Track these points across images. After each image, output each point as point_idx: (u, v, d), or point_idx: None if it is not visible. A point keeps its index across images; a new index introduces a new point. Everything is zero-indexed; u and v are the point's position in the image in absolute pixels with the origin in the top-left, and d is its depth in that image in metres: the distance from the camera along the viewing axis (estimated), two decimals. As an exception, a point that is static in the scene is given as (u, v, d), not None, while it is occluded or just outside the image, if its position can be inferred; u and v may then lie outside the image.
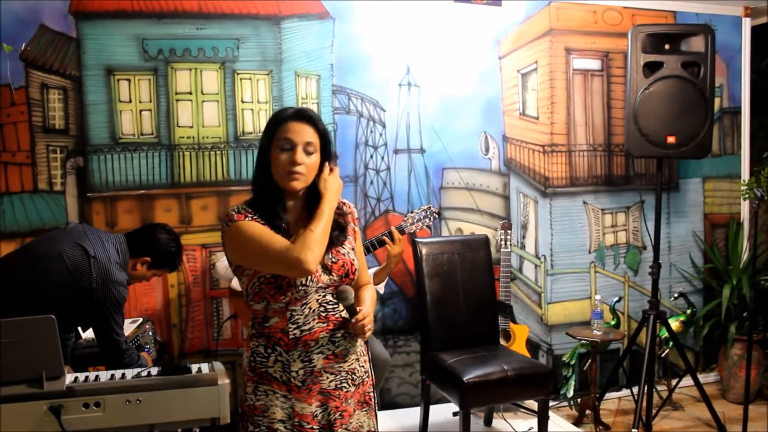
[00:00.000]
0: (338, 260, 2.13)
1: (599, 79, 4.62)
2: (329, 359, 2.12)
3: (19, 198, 3.61)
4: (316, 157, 2.10)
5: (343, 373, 2.15)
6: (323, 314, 2.10)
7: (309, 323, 2.08)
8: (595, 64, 4.61)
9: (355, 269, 2.17)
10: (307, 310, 2.08)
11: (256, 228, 2.06)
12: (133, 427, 2.17)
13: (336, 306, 2.13)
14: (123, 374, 2.27)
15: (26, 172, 3.62)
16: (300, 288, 2.06)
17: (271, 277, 2.05)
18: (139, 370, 2.33)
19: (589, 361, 4.16)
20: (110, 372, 2.33)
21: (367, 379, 2.24)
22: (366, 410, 2.23)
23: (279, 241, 2.03)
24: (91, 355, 3.01)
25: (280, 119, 2.10)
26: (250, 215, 2.09)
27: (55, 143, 3.66)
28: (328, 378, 2.12)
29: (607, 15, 4.59)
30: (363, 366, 2.22)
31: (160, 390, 2.17)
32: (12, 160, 3.61)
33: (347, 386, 2.16)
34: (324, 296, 2.11)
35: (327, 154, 2.14)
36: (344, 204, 2.25)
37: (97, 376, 2.27)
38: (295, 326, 2.07)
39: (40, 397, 2.09)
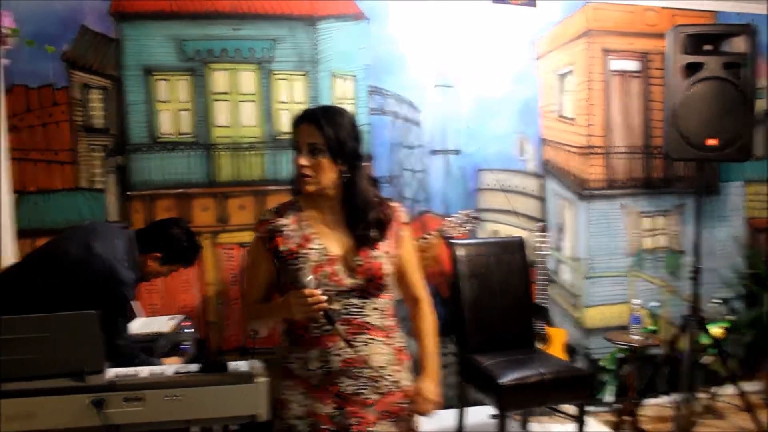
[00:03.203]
0: (364, 263, 2.10)
1: (638, 81, 4.56)
2: (347, 363, 2.09)
3: (61, 195, 3.67)
4: (324, 158, 2.08)
5: (363, 379, 2.11)
6: (346, 317, 2.09)
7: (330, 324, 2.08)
8: (633, 65, 4.55)
9: (383, 274, 2.12)
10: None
11: (252, 255, 2.25)
12: (172, 422, 2.21)
13: (361, 311, 2.11)
14: (163, 371, 2.32)
15: (68, 170, 3.68)
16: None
17: (292, 281, 2.06)
18: (178, 366, 2.35)
19: (628, 366, 4.10)
20: (150, 368, 2.36)
21: (396, 390, 2.17)
22: (394, 421, 2.16)
23: (253, 280, 2.21)
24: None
25: (294, 122, 2.14)
26: (270, 224, 2.14)
27: (96, 142, 3.71)
28: (345, 381, 2.10)
29: (646, 15, 4.53)
30: (392, 375, 2.16)
31: (199, 387, 2.20)
32: (55, 159, 3.67)
33: (367, 393, 2.12)
34: (348, 299, 2.09)
35: (343, 155, 2.10)
36: (390, 206, 2.22)
37: (137, 372, 2.30)
38: (315, 326, 2.07)
39: (83, 390, 2.13)
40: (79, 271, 2.77)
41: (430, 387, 2.22)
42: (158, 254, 3.04)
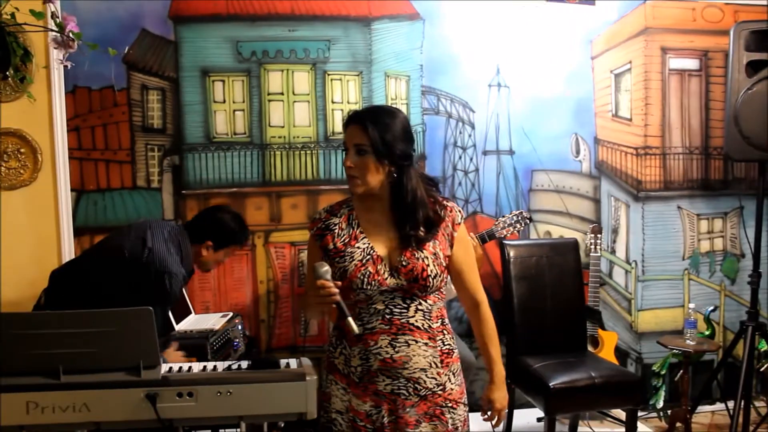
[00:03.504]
0: (409, 264, 2.10)
1: (697, 80, 4.45)
2: (386, 362, 2.10)
3: (119, 194, 3.78)
4: (369, 158, 2.08)
5: (403, 380, 2.11)
6: (388, 316, 2.10)
7: (372, 323, 2.10)
8: (692, 63, 4.44)
9: (427, 275, 2.10)
10: (372, 310, 2.10)
11: (308, 251, 2.30)
12: (222, 418, 2.23)
13: (404, 312, 2.11)
14: (215, 366, 2.35)
15: (126, 169, 3.79)
16: (359, 291, 2.09)
17: (338, 279, 2.10)
18: (230, 362, 2.39)
19: (681, 371, 4.02)
20: (202, 364, 2.41)
21: (440, 392, 2.16)
22: (435, 424, 2.16)
23: (309, 275, 2.27)
24: (184, 347, 3.10)
25: (343, 124, 2.17)
26: (322, 223, 2.20)
27: (153, 142, 3.81)
28: (384, 381, 2.11)
29: (707, 12, 4.41)
30: (435, 378, 2.15)
31: (250, 383, 2.22)
32: (114, 158, 3.78)
33: (407, 394, 2.12)
34: (392, 299, 2.10)
35: (387, 155, 2.09)
36: (445, 207, 2.20)
37: (190, 367, 2.35)
38: (359, 323, 2.08)
39: (138, 384, 2.16)
40: (133, 266, 2.86)
41: (500, 395, 2.27)
42: (210, 242, 3.11)
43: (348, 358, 2.14)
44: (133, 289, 2.83)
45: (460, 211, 2.24)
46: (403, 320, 2.11)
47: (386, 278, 2.09)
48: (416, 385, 2.13)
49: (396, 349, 2.10)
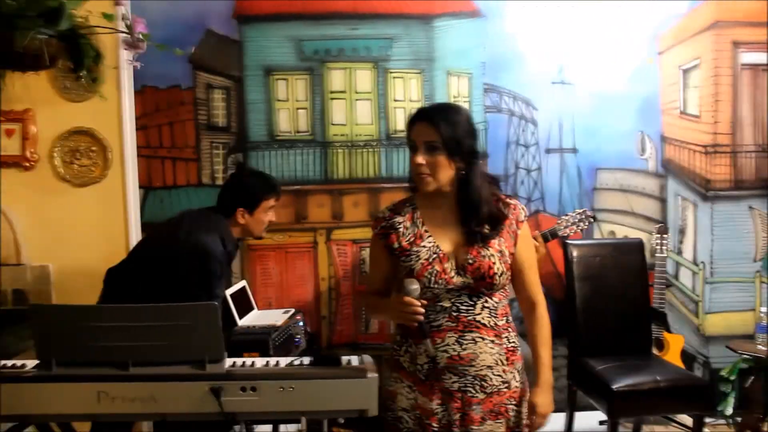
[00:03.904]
0: (476, 261, 2.09)
1: (771, 74, 4.31)
2: (453, 359, 2.10)
3: (185, 191, 3.87)
4: (441, 156, 2.08)
5: (470, 377, 2.11)
6: (454, 314, 2.10)
7: (439, 320, 2.10)
8: (766, 57, 4.29)
9: (493, 273, 2.10)
10: (439, 308, 2.10)
11: (371, 250, 2.30)
12: (284, 413, 2.26)
13: (471, 309, 2.11)
14: (277, 362, 2.37)
15: (192, 167, 3.87)
16: (426, 290, 2.08)
17: (402, 277, 2.11)
18: (292, 359, 2.42)
19: (752, 377, 3.89)
20: (265, 359, 2.43)
21: (505, 390, 2.16)
22: (500, 422, 2.15)
23: (371, 276, 2.35)
24: (246, 342, 3.14)
25: (409, 122, 2.15)
26: (386, 221, 2.20)
27: (218, 140, 3.88)
28: (451, 378, 2.11)
29: (782, 4, 4.27)
30: (500, 375, 2.15)
31: (312, 379, 2.23)
32: (180, 156, 3.87)
33: (474, 391, 2.12)
34: (459, 297, 2.10)
35: (459, 152, 2.09)
36: (509, 205, 2.20)
37: (253, 363, 2.38)
38: (426, 321, 2.08)
39: (203, 378, 2.20)
40: (173, 254, 2.87)
41: (545, 401, 2.21)
42: (241, 208, 3.06)
43: (414, 356, 2.15)
44: (178, 278, 2.84)
45: (523, 209, 2.23)
46: (469, 317, 2.10)
47: (453, 276, 2.09)
48: (483, 383, 2.13)
49: (463, 347, 2.10)
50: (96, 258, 3.53)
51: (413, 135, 2.12)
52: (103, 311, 2.37)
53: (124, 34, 2.57)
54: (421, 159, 2.08)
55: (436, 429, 2.12)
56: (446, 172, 2.10)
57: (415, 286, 2.05)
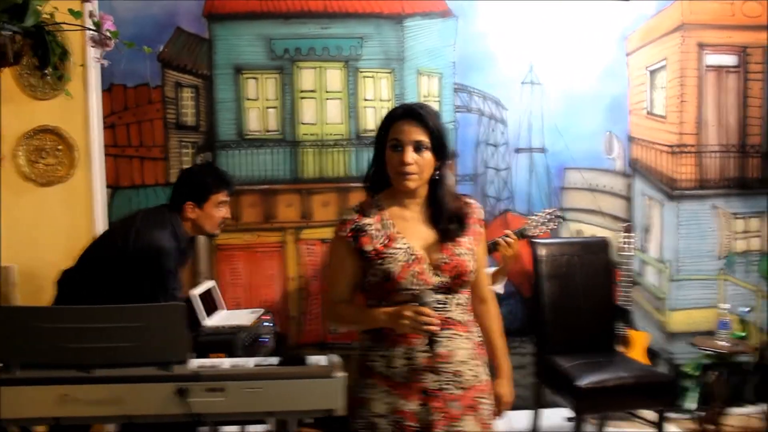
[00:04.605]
0: (451, 261, 2.12)
1: (735, 76, 4.36)
2: (432, 358, 2.10)
3: (153, 191, 3.84)
4: (428, 155, 2.09)
5: (447, 375, 2.13)
6: None
7: None
8: (730, 59, 4.35)
9: (469, 271, 2.14)
10: None
11: (336, 255, 2.20)
12: (251, 413, 2.26)
13: (445, 306, 2.12)
14: (244, 362, 2.37)
15: (160, 166, 3.84)
16: (405, 293, 2.08)
17: (378, 281, 2.10)
18: (259, 359, 2.42)
19: (714, 373, 3.96)
20: (232, 359, 2.43)
21: (477, 384, 2.19)
22: (474, 416, 2.17)
23: (337, 282, 2.21)
24: (214, 342, 3.14)
25: (391, 119, 2.13)
26: (355, 224, 2.14)
27: (187, 139, 3.86)
28: (430, 377, 2.11)
29: (747, 7, 4.32)
30: (472, 370, 2.18)
31: (279, 379, 2.24)
32: (147, 155, 3.84)
33: (452, 388, 2.13)
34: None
35: (442, 152, 2.13)
36: (470, 204, 2.23)
37: (220, 363, 2.37)
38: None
39: (168, 379, 2.19)
40: (126, 252, 2.85)
41: (509, 390, 2.29)
42: (190, 202, 3.03)
43: (390, 360, 2.12)
44: (132, 276, 2.83)
45: (481, 208, 2.28)
46: (445, 315, 2.12)
47: (430, 277, 2.10)
48: (459, 379, 2.14)
49: (441, 344, 2.11)
50: (62, 259, 3.48)
51: (399, 134, 2.09)
52: (66, 312, 2.34)
53: (92, 32, 2.54)
54: (409, 158, 2.08)
55: (416, 429, 2.11)
56: (429, 172, 2.12)
57: (433, 297, 2.07)
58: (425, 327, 2.00)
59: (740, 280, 4.45)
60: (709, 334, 4.23)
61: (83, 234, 3.67)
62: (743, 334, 4.11)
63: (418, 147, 2.08)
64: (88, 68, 3.64)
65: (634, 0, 4.18)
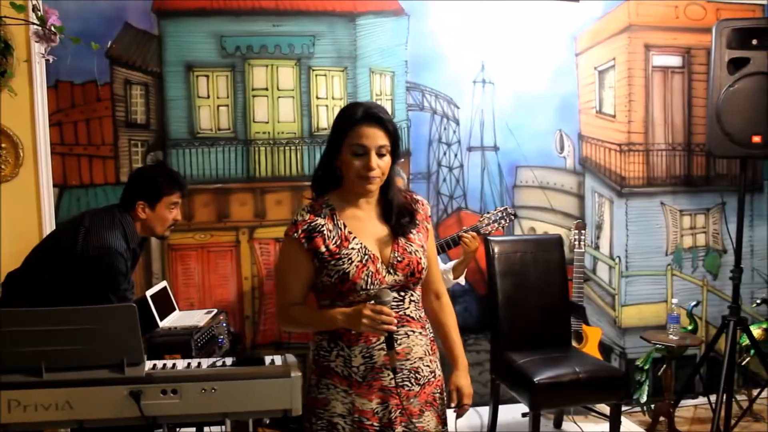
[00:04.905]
0: (404, 259, 2.12)
1: (680, 77, 4.48)
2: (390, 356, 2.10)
3: (103, 190, 3.74)
4: (388, 158, 2.10)
5: (405, 372, 2.13)
6: None
7: None
8: (675, 60, 4.47)
9: (422, 268, 2.15)
10: None
11: (288, 257, 2.16)
12: (207, 415, 2.23)
13: (401, 303, 2.13)
14: (199, 363, 2.34)
15: (109, 164, 3.75)
16: (361, 293, 2.07)
17: (333, 281, 2.08)
18: (215, 359, 2.38)
19: (664, 366, 4.05)
20: (186, 360, 2.39)
21: (433, 379, 2.21)
22: (432, 411, 2.20)
23: (289, 284, 2.16)
24: (168, 344, 3.08)
25: (351, 122, 2.08)
26: (308, 225, 2.10)
27: (137, 137, 3.78)
28: (389, 375, 2.10)
29: (690, 10, 4.44)
30: (428, 366, 2.20)
31: (235, 380, 2.21)
32: (96, 154, 3.74)
33: (410, 385, 2.14)
34: None
35: (397, 153, 2.14)
36: (417, 201, 2.25)
37: (174, 364, 2.34)
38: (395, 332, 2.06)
39: (121, 382, 2.15)
40: (74, 253, 2.78)
41: (467, 381, 2.28)
42: (141, 202, 2.97)
43: (348, 359, 2.11)
44: (82, 278, 2.76)
45: (429, 205, 2.30)
46: (401, 312, 2.12)
47: (385, 276, 2.10)
48: (417, 375, 2.15)
49: (398, 342, 2.10)
50: (8, 260, 3.38)
51: (363, 139, 2.06)
52: (13, 315, 2.25)
53: (36, 26, 2.47)
54: (375, 162, 2.06)
55: (377, 428, 2.11)
56: (386, 173, 2.12)
57: (393, 296, 2.06)
58: (384, 326, 1.99)
59: (687, 275, 4.56)
60: (660, 328, 4.34)
61: (30, 234, 3.57)
62: (691, 327, 4.21)
63: (380, 151, 2.08)
64: (33, 64, 3.53)
65: (584, 0, 4.25)
